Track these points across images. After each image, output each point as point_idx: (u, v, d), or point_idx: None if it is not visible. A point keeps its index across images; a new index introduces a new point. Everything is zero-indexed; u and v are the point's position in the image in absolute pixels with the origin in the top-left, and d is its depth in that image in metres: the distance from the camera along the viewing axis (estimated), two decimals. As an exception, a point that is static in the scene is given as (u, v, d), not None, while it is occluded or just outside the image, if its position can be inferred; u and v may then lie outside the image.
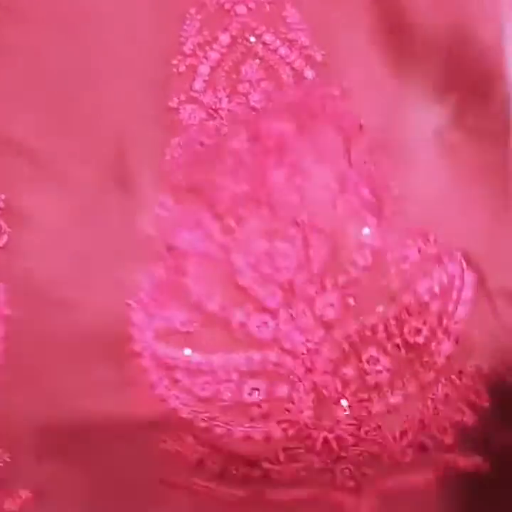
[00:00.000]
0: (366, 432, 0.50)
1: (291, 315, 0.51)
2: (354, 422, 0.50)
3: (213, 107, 0.46)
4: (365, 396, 0.50)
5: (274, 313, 0.51)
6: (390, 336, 0.49)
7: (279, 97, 0.46)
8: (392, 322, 0.49)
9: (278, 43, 0.46)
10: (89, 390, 0.50)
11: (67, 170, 0.44)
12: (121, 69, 0.44)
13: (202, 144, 0.46)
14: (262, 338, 0.51)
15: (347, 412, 0.50)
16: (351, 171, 0.50)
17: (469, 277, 0.48)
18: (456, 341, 0.48)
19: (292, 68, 0.47)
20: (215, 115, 0.46)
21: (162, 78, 0.45)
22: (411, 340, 0.48)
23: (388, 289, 0.49)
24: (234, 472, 0.52)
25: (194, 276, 0.46)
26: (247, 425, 0.51)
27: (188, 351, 0.51)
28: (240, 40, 0.45)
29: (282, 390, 0.51)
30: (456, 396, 0.48)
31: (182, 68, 0.45)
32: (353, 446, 0.50)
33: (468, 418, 0.48)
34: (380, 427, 0.49)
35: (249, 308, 0.50)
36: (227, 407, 0.51)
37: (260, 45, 0.46)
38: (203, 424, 0.51)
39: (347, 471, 0.51)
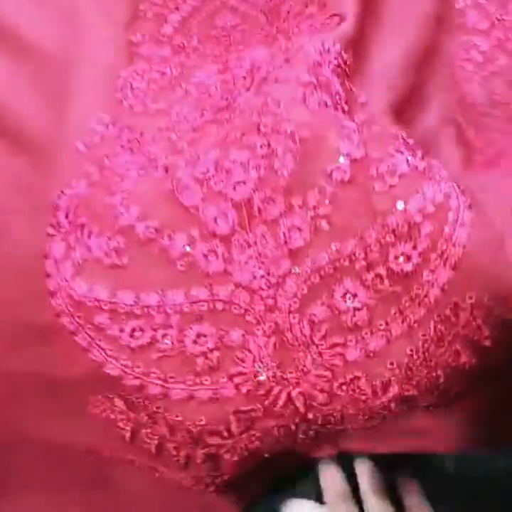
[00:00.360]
0: (340, 386, 0.40)
1: (248, 241, 0.40)
2: (325, 373, 0.40)
3: (181, 45, 0.45)
4: (340, 340, 0.40)
5: (225, 240, 0.40)
6: (371, 265, 0.39)
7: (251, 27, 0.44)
8: (375, 248, 0.39)
9: None
10: (8, 339, 0.42)
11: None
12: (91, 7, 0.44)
13: (163, 73, 0.44)
14: (209, 270, 0.40)
15: (317, 361, 0.40)
16: (323, 68, 0.41)
17: (464, 197, 0.39)
18: (454, 268, 0.39)
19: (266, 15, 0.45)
20: (182, 51, 0.45)
21: (128, 19, 0.45)
22: (397, 268, 0.39)
23: (371, 208, 0.38)
24: (173, 453, 0.42)
25: (125, 196, 0.40)
26: (190, 382, 0.40)
27: (112, 289, 0.40)
28: None
29: (236, 336, 0.41)
30: (451, 336, 0.39)
31: (149, 14, 0.45)
32: (324, 405, 0.40)
33: (467, 361, 0.39)
34: (357, 378, 0.40)
35: (193, 234, 0.40)
36: (166, 358, 0.41)
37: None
38: (134, 382, 0.40)
39: (311, 438, 0.42)
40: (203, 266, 0.40)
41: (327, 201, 0.39)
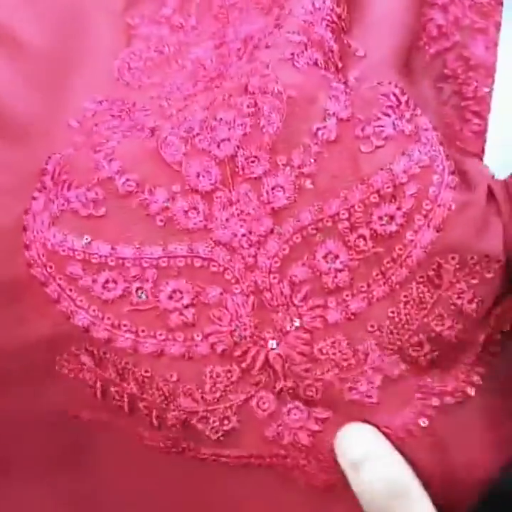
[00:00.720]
0: (320, 349, 0.39)
1: (230, 199, 0.39)
2: (305, 335, 0.39)
3: (179, 24, 0.45)
4: (320, 301, 0.39)
5: (207, 196, 0.39)
6: (354, 226, 0.39)
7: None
8: (358, 208, 0.38)
9: None
10: None
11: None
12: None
13: (160, 52, 0.44)
14: (189, 226, 0.39)
15: (296, 323, 0.39)
16: (315, 26, 0.40)
17: (449, 162, 0.39)
18: (438, 229, 0.38)
19: None
20: (180, 30, 0.45)
21: (126, 4, 0.45)
22: (380, 229, 0.38)
23: (356, 169, 0.38)
24: (145, 412, 0.41)
25: (108, 153, 0.40)
26: (161, 337, 0.40)
27: (87, 239, 0.39)
28: None
29: (213, 294, 0.40)
30: (434, 298, 0.39)
31: None
32: (304, 370, 0.39)
33: (451, 326, 0.37)
34: (338, 341, 0.39)
35: (174, 189, 0.39)
36: (138, 312, 0.40)
37: None
38: (102, 335, 0.39)
39: (294, 409, 0.41)
40: (182, 222, 0.39)
41: (312, 160, 0.38)
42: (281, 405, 0.40)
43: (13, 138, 0.41)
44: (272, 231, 0.39)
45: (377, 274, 0.39)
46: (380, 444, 0.39)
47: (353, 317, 0.39)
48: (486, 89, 0.45)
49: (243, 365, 0.40)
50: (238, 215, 0.39)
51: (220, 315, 0.40)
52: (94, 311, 0.39)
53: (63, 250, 0.39)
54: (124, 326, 0.39)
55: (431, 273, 0.38)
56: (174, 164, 0.39)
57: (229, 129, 0.39)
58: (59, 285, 0.39)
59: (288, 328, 0.40)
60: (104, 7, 0.45)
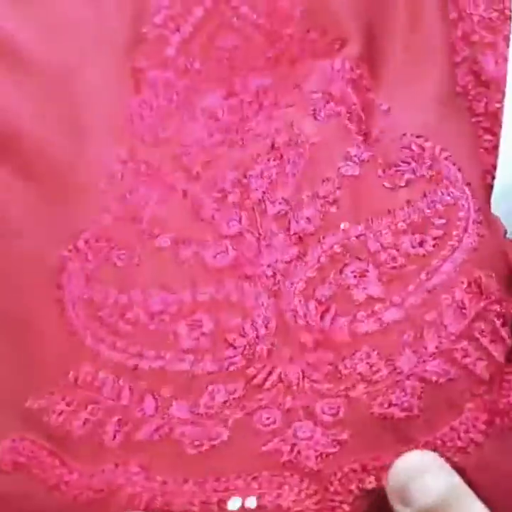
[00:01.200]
0: (345, 364, 0.34)
1: (258, 238, 0.40)
2: (328, 353, 0.34)
3: (184, 67, 0.44)
4: (349, 316, 0.35)
5: (235, 239, 0.40)
6: (383, 246, 0.38)
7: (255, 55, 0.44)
8: (386, 233, 0.38)
9: (254, 16, 0.45)
10: None
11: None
12: (89, 34, 0.44)
13: (170, 100, 0.44)
14: (217, 265, 0.40)
15: (319, 338, 0.35)
16: (336, 84, 0.43)
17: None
18: (475, 249, 0.37)
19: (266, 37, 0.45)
20: (186, 75, 0.44)
21: (131, 42, 0.44)
22: (412, 251, 0.38)
23: (381, 201, 0.39)
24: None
25: (148, 219, 0.41)
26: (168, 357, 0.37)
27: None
28: (214, 13, 0.45)
29: (234, 320, 0.37)
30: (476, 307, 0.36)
31: (151, 36, 0.44)
32: (325, 388, 0.33)
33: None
34: (367, 354, 0.34)
35: (207, 238, 0.41)
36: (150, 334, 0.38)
37: (235, 18, 0.45)
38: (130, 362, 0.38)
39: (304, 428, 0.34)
40: (211, 263, 0.40)
41: (336, 190, 0.39)
42: (288, 423, 0.36)
43: (28, 165, 0.42)
44: (297, 258, 0.38)
45: (413, 287, 0.37)
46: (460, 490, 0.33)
47: (385, 326, 0.35)
48: (498, 105, 0.43)
49: (253, 382, 0.36)
50: (264, 248, 0.39)
51: (235, 338, 0.37)
52: (110, 340, 0.38)
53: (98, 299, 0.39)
54: (135, 349, 0.38)
55: (472, 279, 0.36)
56: (206, 219, 0.40)
57: (256, 181, 0.40)
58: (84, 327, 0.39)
59: (310, 345, 0.36)
60: (111, 42, 0.44)
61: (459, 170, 0.40)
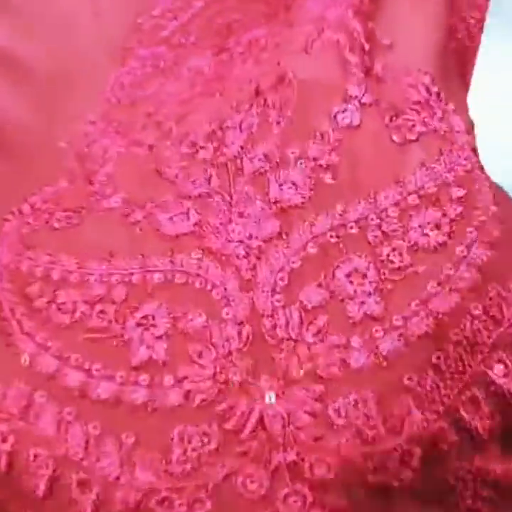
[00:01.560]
0: (338, 410, 0.29)
1: (228, 202, 0.31)
2: (317, 386, 0.29)
3: (177, 42, 0.41)
4: (341, 339, 0.30)
5: (199, 201, 0.32)
6: (387, 235, 0.31)
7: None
8: (393, 212, 0.32)
9: None
10: None
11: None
12: (89, 24, 0.42)
13: (156, 67, 0.40)
14: (174, 232, 0.31)
15: (306, 367, 0.29)
16: (334, 9, 0.35)
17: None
18: (493, 246, 0.30)
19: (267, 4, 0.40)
20: (178, 47, 0.41)
21: (125, 32, 0.42)
22: (422, 241, 0.30)
23: (389, 161, 0.32)
24: (78, 491, 0.28)
25: (103, 182, 0.34)
26: (120, 379, 0.29)
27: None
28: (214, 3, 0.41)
29: (195, 320, 0.30)
30: (494, 337, 0.29)
31: (146, 26, 0.42)
32: (313, 438, 0.28)
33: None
34: (363, 398, 0.28)
35: (164, 199, 0.32)
36: (95, 341, 0.30)
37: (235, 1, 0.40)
38: (46, 368, 0.29)
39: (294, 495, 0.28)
40: (166, 228, 0.31)
41: (331, 149, 0.31)
42: (276, 487, 0.28)
43: (7, 154, 0.37)
44: (278, 236, 0.30)
45: (418, 303, 0.29)
46: None
47: (384, 362, 0.29)
48: None
49: (227, 425, 0.28)
50: (236, 218, 0.30)
51: (201, 350, 0.29)
52: (42, 338, 0.29)
53: (26, 267, 0.31)
54: (76, 360, 0.29)
55: (488, 303, 0.29)
56: (169, 178, 0.32)
57: (234, 134, 0.33)
58: (11, 310, 0.30)
59: (294, 375, 0.29)
60: (105, 32, 0.42)
61: (467, 131, 0.33)
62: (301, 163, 0.31)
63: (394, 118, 0.32)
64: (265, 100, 0.33)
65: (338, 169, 0.31)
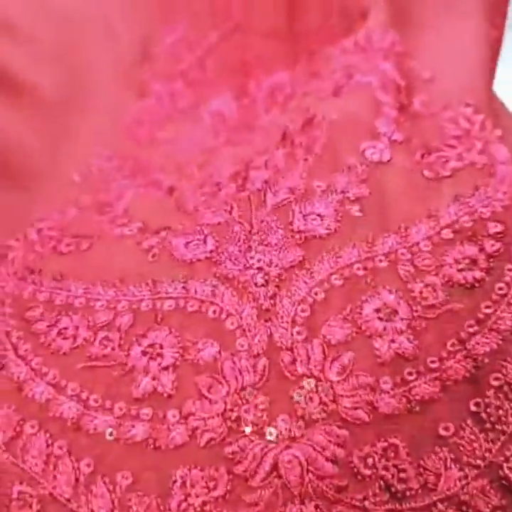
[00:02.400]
0: (364, 459, 0.25)
1: (248, 231, 0.30)
2: (340, 431, 0.26)
3: (194, 79, 0.40)
4: (368, 379, 0.27)
5: (218, 228, 0.30)
6: (419, 270, 0.29)
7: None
8: (425, 247, 0.29)
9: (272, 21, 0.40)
10: None
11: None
12: (101, 48, 0.42)
13: (175, 106, 0.40)
14: (187, 257, 0.29)
15: (328, 409, 0.26)
16: (362, 55, 0.35)
17: None
18: None
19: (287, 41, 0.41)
20: (196, 84, 0.40)
21: (140, 58, 0.42)
22: (458, 277, 0.28)
23: (419, 196, 0.30)
24: None
25: (118, 211, 0.34)
26: (119, 411, 0.26)
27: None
28: (230, 37, 0.41)
29: (206, 352, 0.27)
30: None
31: (163, 56, 0.42)
32: (334, 489, 0.25)
33: None
34: (393, 446, 0.26)
35: (181, 227, 0.31)
36: (95, 370, 0.27)
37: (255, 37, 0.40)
38: (39, 396, 0.27)
39: None
40: (180, 253, 0.29)
41: (359, 182, 0.29)
42: None
43: (13, 182, 0.36)
44: (300, 265, 0.28)
45: (453, 343, 0.26)
46: None
47: (417, 408, 0.25)
48: None
49: (237, 469, 0.25)
50: (256, 246, 0.28)
51: (210, 384, 0.26)
52: (37, 363, 0.28)
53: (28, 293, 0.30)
54: (72, 389, 0.27)
55: None
56: (188, 210, 0.32)
57: (258, 172, 0.32)
58: (7, 333, 0.29)
59: (315, 416, 0.25)
60: (114, 57, 0.41)
61: None
62: (327, 195, 0.30)
63: (426, 155, 0.31)
64: (292, 141, 0.32)
65: (366, 202, 0.29)
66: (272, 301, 0.27)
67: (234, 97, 0.38)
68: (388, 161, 0.30)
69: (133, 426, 0.25)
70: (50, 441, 0.25)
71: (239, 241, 0.29)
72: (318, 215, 0.29)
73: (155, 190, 0.34)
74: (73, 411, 0.26)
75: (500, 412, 0.25)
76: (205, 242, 0.29)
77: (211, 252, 0.29)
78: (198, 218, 0.30)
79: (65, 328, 0.28)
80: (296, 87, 0.37)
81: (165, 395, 0.26)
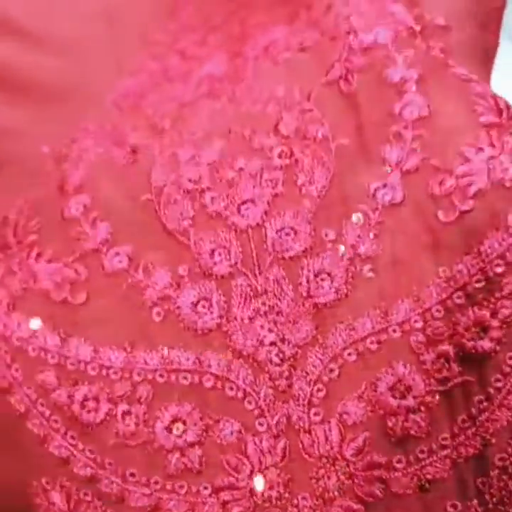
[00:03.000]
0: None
1: (255, 288, 0.29)
2: (357, 507, 0.28)
3: (192, 54, 0.38)
4: (382, 458, 0.28)
5: (223, 283, 0.29)
6: (431, 340, 0.29)
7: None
8: (437, 313, 0.28)
9: None
10: None
11: None
12: (102, 38, 0.41)
13: (166, 76, 0.38)
14: (198, 326, 0.29)
15: (345, 486, 0.27)
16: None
17: None
18: None
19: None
20: (193, 58, 0.38)
21: (137, 44, 0.40)
22: (469, 345, 0.27)
23: (432, 249, 0.29)
24: None
25: (75, 186, 0.32)
26: (156, 486, 0.28)
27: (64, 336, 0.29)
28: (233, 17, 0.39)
29: (228, 430, 0.28)
30: None
31: (161, 40, 0.40)
32: None
33: None
34: None
35: (180, 271, 0.30)
36: (125, 447, 0.28)
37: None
38: (84, 472, 0.28)
39: None
40: (188, 318, 0.28)
41: (372, 235, 0.28)
42: None
43: None
44: (313, 340, 0.28)
45: (464, 419, 0.27)
46: None
47: (428, 486, 0.27)
48: None
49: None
50: (266, 312, 0.28)
51: (236, 464, 0.28)
52: (72, 437, 0.28)
53: (33, 349, 0.29)
54: (109, 464, 0.28)
55: None
56: (179, 233, 0.29)
57: (253, 186, 0.29)
58: (27, 395, 0.29)
59: (333, 494, 0.27)
60: (113, 47, 0.40)
61: None
62: (337, 250, 0.28)
63: (446, 179, 0.28)
64: (292, 153, 0.30)
65: (380, 261, 0.28)
66: (288, 382, 0.28)
67: (228, 59, 0.36)
68: (401, 202, 0.29)
69: (171, 499, 0.27)
70: (98, 504, 0.28)
71: (245, 302, 0.28)
72: (328, 274, 0.28)
73: (116, 152, 0.32)
74: (115, 487, 0.28)
75: (503, 493, 0.27)
76: (210, 303, 0.28)
77: (220, 317, 0.28)
78: (199, 261, 0.29)
79: (86, 399, 0.28)
80: (291, 39, 0.34)
81: (194, 470, 0.27)
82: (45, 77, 0.39)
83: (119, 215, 0.30)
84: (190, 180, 0.30)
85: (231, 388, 0.28)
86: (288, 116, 0.30)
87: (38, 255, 0.30)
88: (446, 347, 0.27)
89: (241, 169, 0.30)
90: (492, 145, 0.28)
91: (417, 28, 0.31)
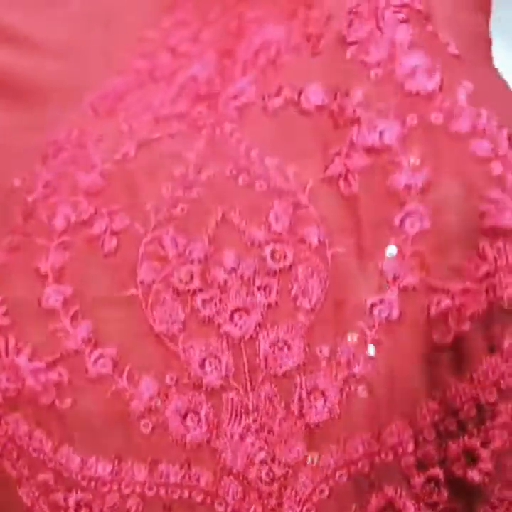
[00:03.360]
0: None
1: (246, 405, 0.29)
2: None
3: (184, 50, 0.39)
4: None
5: (213, 396, 0.28)
6: (422, 463, 0.28)
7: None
8: (429, 436, 0.29)
9: None
10: None
11: None
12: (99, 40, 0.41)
13: (152, 75, 0.38)
14: (187, 440, 0.28)
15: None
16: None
17: None
18: None
19: None
20: (184, 56, 0.38)
21: (131, 43, 0.41)
22: (459, 472, 0.28)
23: (427, 372, 0.29)
24: None
25: (61, 292, 0.30)
26: None
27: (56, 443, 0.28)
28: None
29: None
30: None
31: (153, 36, 0.40)
32: None
33: None
34: None
35: (168, 380, 0.29)
36: None
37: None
38: None
39: None
40: (177, 431, 0.27)
41: (368, 354, 0.27)
42: None
43: None
44: (304, 461, 0.28)
45: None
46: None
47: None
48: None
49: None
50: (257, 430, 0.27)
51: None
52: None
53: (34, 449, 0.28)
54: None
55: None
56: (167, 338, 0.28)
57: (247, 293, 0.28)
58: (32, 491, 0.28)
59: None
60: (109, 47, 0.40)
61: None
62: (331, 368, 0.28)
63: (443, 299, 0.28)
64: (285, 255, 0.29)
65: (374, 382, 0.28)
66: (278, 501, 0.27)
67: (217, 59, 0.36)
68: (398, 318, 0.28)
69: None
70: None
71: (236, 418, 0.28)
72: (322, 393, 0.28)
73: (83, 175, 0.32)
74: None
75: None
76: (198, 418, 0.28)
77: (209, 431, 0.28)
78: (184, 365, 0.28)
79: (79, 506, 0.27)
80: (282, 48, 0.33)
81: None
82: (44, 80, 0.39)
83: (101, 310, 0.29)
84: (181, 281, 0.29)
85: (220, 504, 0.27)
86: (279, 207, 0.29)
87: (18, 349, 0.29)
88: (436, 470, 0.27)
89: (233, 270, 0.29)
90: (493, 259, 0.28)
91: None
